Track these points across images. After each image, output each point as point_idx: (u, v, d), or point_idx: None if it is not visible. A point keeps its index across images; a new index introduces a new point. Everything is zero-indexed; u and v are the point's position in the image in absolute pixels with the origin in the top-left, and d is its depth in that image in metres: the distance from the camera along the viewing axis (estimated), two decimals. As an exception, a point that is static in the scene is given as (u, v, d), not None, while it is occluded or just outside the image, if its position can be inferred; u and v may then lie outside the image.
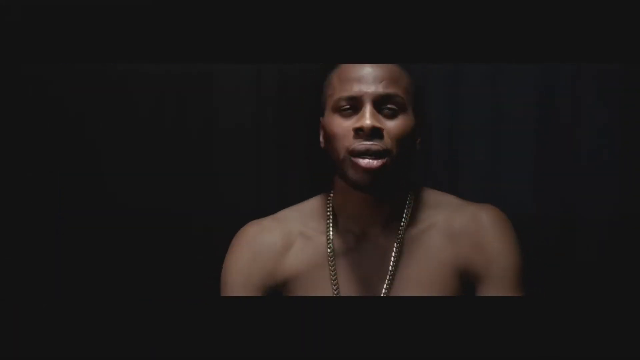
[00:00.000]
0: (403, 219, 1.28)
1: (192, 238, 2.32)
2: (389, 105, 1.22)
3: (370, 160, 1.19)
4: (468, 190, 2.06)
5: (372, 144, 1.19)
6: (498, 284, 1.24)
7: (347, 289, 1.27)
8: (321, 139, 1.31)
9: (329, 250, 1.29)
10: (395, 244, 1.26)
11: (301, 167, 1.99)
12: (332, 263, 1.28)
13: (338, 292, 1.26)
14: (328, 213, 1.31)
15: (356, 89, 1.22)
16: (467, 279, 1.27)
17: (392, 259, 1.26)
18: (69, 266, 2.39)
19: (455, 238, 1.28)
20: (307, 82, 2.20)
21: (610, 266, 2.53)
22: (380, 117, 1.21)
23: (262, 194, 2.16)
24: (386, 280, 1.26)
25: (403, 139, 1.22)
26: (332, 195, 1.33)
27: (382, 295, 1.27)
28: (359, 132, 1.19)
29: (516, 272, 1.26)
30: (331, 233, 1.30)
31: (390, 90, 1.22)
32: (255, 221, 1.36)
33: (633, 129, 2.56)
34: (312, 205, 1.36)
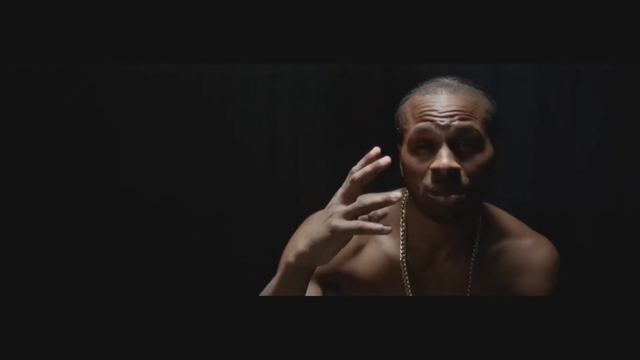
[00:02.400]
0: (476, 241, 1.29)
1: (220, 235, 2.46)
2: (464, 142, 1.18)
3: (447, 196, 1.17)
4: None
5: (449, 185, 1.17)
6: None
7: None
8: (401, 167, 1.27)
9: (402, 263, 1.28)
10: (470, 264, 1.28)
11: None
12: (406, 277, 1.28)
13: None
14: (402, 228, 1.28)
15: (430, 127, 1.18)
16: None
17: (470, 278, 1.28)
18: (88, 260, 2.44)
19: (514, 267, 1.32)
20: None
21: (605, 258, 2.57)
22: (457, 154, 1.18)
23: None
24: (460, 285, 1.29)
25: (481, 175, 1.20)
26: (404, 203, 1.30)
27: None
28: (436, 173, 1.16)
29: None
30: (404, 247, 1.28)
31: (465, 125, 1.17)
32: (317, 216, 1.28)
33: (628, 127, 2.61)
34: (390, 219, 1.25)
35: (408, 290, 1.27)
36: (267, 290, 1.19)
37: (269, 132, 2.59)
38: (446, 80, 1.26)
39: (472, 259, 1.29)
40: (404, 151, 1.24)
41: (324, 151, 2.57)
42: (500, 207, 1.55)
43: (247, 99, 2.58)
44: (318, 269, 1.21)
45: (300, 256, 1.09)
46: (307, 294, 1.21)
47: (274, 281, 1.18)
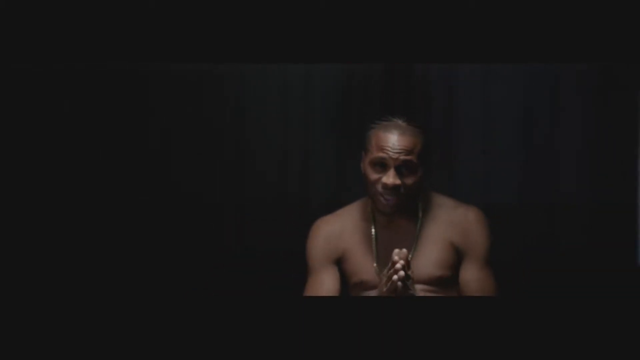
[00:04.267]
0: (419, 213, 1.92)
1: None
2: (405, 168, 1.82)
3: (390, 199, 1.84)
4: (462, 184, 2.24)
5: (392, 192, 1.82)
6: (473, 260, 1.91)
7: (383, 256, 1.89)
8: (362, 168, 1.91)
9: (372, 230, 1.93)
10: (416, 229, 1.91)
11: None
12: (375, 239, 1.93)
13: (376, 258, 1.91)
14: (369, 212, 1.95)
15: (385, 156, 1.82)
16: (459, 253, 1.92)
17: (416, 235, 1.90)
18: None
19: (452, 227, 1.93)
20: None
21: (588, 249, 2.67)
22: (399, 174, 1.81)
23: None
24: (412, 247, 1.90)
25: (413, 187, 1.84)
26: (369, 201, 1.95)
27: (409, 257, 1.81)
28: (385, 185, 1.81)
29: (486, 253, 1.93)
30: (372, 223, 1.94)
31: (407, 159, 1.81)
32: (322, 218, 2.03)
33: (608, 126, 2.71)
34: (359, 207, 2.00)
35: (374, 247, 1.91)
36: None
37: (280, 131, 2.67)
38: (399, 122, 1.86)
39: (417, 223, 1.91)
40: (366, 163, 1.88)
41: (331, 151, 2.71)
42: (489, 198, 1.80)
43: (258, 98, 2.70)
44: (327, 257, 1.97)
45: None
46: (328, 279, 1.94)
47: None
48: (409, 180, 1.82)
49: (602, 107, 2.73)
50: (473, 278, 1.90)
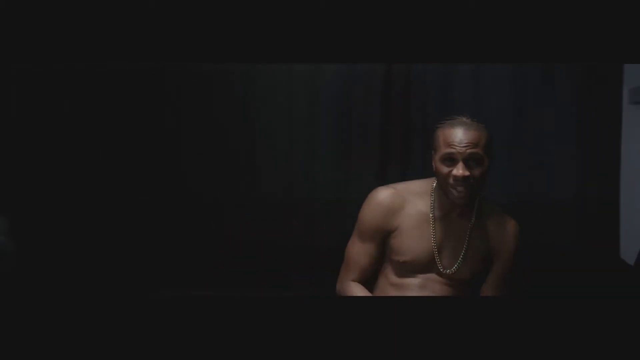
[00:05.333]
0: (473, 216, 2.06)
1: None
2: (472, 160, 1.93)
3: (462, 190, 1.94)
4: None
5: (462, 183, 1.93)
6: (501, 261, 2.07)
7: (443, 251, 2.04)
8: (434, 164, 1.99)
9: (431, 216, 2.04)
10: (469, 227, 2.05)
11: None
12: (433, 225, 2.04)
13: (434, 241, 2.03)
14: (431, 198, 2.06)
15: (453, 151, 1.92)
16: (491, 255, 2.07)
17: (468, 233, 2.05)
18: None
19: (494, 234, 2.07)
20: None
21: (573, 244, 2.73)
22: (467, 166, 1.92)
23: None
24: (465, 247, 2.03)
25: (480, 178, 1.95)
26: (434, 185, 2.06)
27: (462, 251, 2.04)
28: (456, 177, 1.92)
29: (511, 261, 2.09)
30: (434, 209, 2.05)
31: (473, 152, 1.92)
32: (383, 189, 2.08)
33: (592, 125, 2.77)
34: (419, 187, 2.09)
35: (432, 233, 2.03)
36: None
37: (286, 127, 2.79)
38: (463, 119, 1.97)
39: (471, 222, 2.05)
40: (436, 160, 1.98)
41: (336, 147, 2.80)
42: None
43: (264, 98, 2.77)
44: (379, 229, 2.04)
45: None
46: (374, 249, 2.05)
47: None
48: (477, 172, 1.92)
49: (587, 106, 2.81)
50: (494, 277, 2.07)
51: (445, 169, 1.93)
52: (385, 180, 2.67)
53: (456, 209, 2.02)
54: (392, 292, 2.04)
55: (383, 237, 2.04)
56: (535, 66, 2.80)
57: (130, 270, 2.69)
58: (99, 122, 2.79)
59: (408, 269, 2.03)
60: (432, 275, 2.04)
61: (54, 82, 2.73)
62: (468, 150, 1.90)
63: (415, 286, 2.03)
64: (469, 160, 1.91)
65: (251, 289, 2.55)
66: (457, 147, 1.91)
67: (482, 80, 2.84)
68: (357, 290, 2.03)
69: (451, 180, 1.92)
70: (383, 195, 2.05)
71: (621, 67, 2.80)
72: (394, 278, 2.06)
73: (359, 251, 2.05)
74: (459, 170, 1.90)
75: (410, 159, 2.84)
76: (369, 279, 2.07)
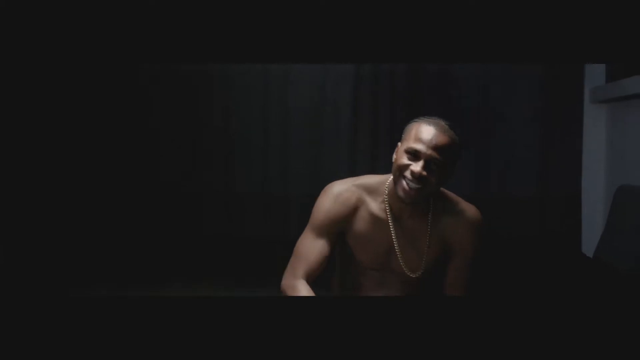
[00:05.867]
0: (430, 212, 1.99)
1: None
2: (434, 164, 1.86)
3: (413, 187, 1.87)
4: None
5: (415, 182, 1.87)
6: (462, 259, 1.99)
7: (405, 254, 1.98)
8: (394, 155, 1.94)
9: (388, 214, 1.98)
10: (427, 223, 1.98)
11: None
12: (391, 223, 1.97)
13: (397, 246, 1.97)
14: (386, 196, 1.99)
15: (420, 148, 1.86)
16: (449, 251, 2.00)
17: (427, 232, 1.98)
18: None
19: (449, 224, 1.99)
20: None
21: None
22: (427, 167, 1.86)
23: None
24: (426, 246, 1.98)
25: (435, 185, 1.90)
26: (388, 183, 1.98)
27: (423, 259, 1.98)
28: (413, 172, 1.86)
29: (474, 255, 2.01)
30: (390, 206, 1.98)
31: (438, 156, 1.86)
32: (340, 183, 2.01)
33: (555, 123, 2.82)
34: (375, 183, 2.01)
35: (392, 231, 1.97)
36: None
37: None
38: (442, 122, 1.91)
39: (429, 218, 1.99)
40: (400, 150, 1.91)
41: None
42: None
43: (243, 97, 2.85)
44: (332, 222, 1.95)
45: None
46: (325, 246, 1.94)
47: None
48: (433, 178, 1.86)
49: (550, 105, 2.88)
50: (457, 273, 1.99)
51: (405, 161, 1.86)
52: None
53: (411, 207, 1.95)
54: (352, 291, 2.03)
55: (337, 233, 1.96)
56: (499, 66, 2.86)
57: (109, 262, 2.73)
58: (81, 118, 2.84)
59: (360, 267, 2.00)
60: (392, 274, 2.00)
61: (28, 77, 2.74)
62: (434, 154, 1.85)
63: (374, 284, 2.01)
64: (430, 163, 1.85)
65: (227, 281, 2.59)
66: (425, 146, 1.85)
67: (449, 79, 2.90)
68: (303, 289, 1.88)
69: (407, 174, 1.85)
70: (339, 189, 1.98)
71: (582, 67, 2.88)
72: (353, 277, 2.04)
73: (310, 245, 1.93)
74: (417, 167, 1.84)
75: (380, 157, 2.91)
76: (315, 279, 1.94)
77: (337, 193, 1.97)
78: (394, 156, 1.93)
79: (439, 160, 1.85)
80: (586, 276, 2.33)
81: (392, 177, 1.93)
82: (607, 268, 2.25)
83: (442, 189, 1.99)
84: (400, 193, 1.88)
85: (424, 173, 1.84)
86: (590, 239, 2.78)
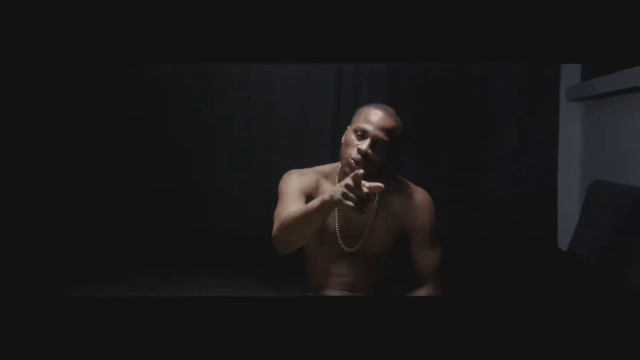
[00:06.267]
0: (376, 195, 2.12)
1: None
2: (379, 144, 2.02)
3: (357, 161, 2.00)
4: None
5: (360, 159, 2.00)
6: (422, 239, 2.12)
7: (344, 232, 2.13)
8: (343, 137, 2.09)
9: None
10: (374, 206, 2.12)
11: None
12: (336, 213, 2.12)
13: (339, 234, 2.12)
14: (336, 180, 2.15)
15: (368, 128, 2.02)
16: (403, 231, 2.14)
17: (373, 211, 2.13)
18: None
19: (402, 208, 2.14)
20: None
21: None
22: (373, 147, 2.01)
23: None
24: (367, 228, 2.11)
25: (378, 164, 2.03)
26: (339, 168, 2.13)
27: (362, 237, 2.12)
28: (359, 150, 2.01)
29: (433, 233, 2.13)
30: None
31: (383, 137, 2.02)
32: (296, 170, 2.18)
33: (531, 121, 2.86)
34: (328, 169, 2.19)
35: (336, 213, 2.12)
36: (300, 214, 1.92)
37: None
38: (389, 108, 2.08)
39: (375, 201, 2.13)
40: (350, 130, 2.07)
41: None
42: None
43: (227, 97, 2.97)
44: (295, 191, 2.08)
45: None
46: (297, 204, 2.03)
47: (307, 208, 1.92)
48: (377, 157, 2.01)
49: (527, 103, 2.94)
50: (423, 255, 2.11)
51: (354, 140, 2.02)
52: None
53: None
54: (311, 267, 2.19)
55: (304, 198, 2.07)
56: (477, 65, 2.91)
57: (90, 257, 2.75)
58: (62, 115, 2.86)
59: (320, 247, 2.14)
60: (342, 252, 2.13)
61: (24, 77, 2.78)
62: (380, 134, 2.00)
63: (328, 262, 2.15)
64: (376, 144, 2.00)
65: (206, 275, 2.61)
66: (372, 126, 2.01)
67: (429, 78, 2.95)
68: (294, 209, 1.97)
69: (353, 153, 2.00)
70: (299, 171, 2.16)
71: (559, 66, 2.94)
72: (311, 255, 2.19)
73: (288, 205, 2.02)
74: (363, 145, 1.99)
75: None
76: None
77: (299, 173, 2.15)
78: (343, 138, 2.08)
79: (384, 141, 2.02)
80: (560, 269, 2.38)
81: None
82: (580, 261, 2.31)
83: (393, 174, 2.16)
84: (347, 169, 2.02)
85: (370, 151, 2.00)
86: (566, 234, 2.82)
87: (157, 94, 2.96)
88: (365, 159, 1.99)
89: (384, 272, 2.20)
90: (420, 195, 2.15)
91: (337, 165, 2.17)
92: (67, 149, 2.85)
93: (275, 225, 1.97)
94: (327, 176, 2.17)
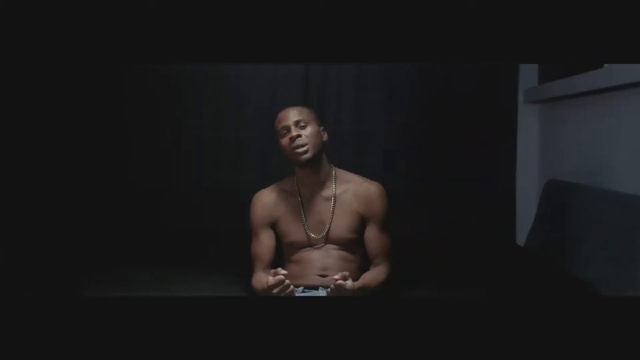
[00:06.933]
0: (334, 187, 2.44)
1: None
2: (301, 124, 2.36)
3: (301, 147, 2.33)
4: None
5: (298, 142, 2.33)
6: (375, 224, 2.42)
7: (310, 222, 2.43)
8: (280, 146, 2.40)
9: (299, 200, 2.45)
10: (332, 200, 2.43)
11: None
12: (302, 207, 2.45)
13: (306, 223, 2.43)
14: (295, 187, 2.47)
15: (285, 124, 2.37)
16: (363, 219, 2.42)
17: (332, 205, 2.43)
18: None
19: (358, 199, 2.43)
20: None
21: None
22: (298, 128, 2.35)
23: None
24: (330, 215, 2.42)
25: (313, 136, 2.36)
26: (295, 176, 2.48)
27: (327, 225, 2.42)
28: (292, 138, 2.34)
29: (384, 219, 2.44)
30: (299, 195, 2.46)
31: (299, 118, 2.37)
32: (260, 191, 2.52)
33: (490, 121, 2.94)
34: (287, 182, 2.51)
35: (302, 213, 2.44)
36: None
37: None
38: (290, 107, 2.42)
39: (333, 195, 2.43)
40: (279, 140, 2.39)
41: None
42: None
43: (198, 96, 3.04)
44: (265, 220, 2.46)
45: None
46: (266, 239, 2.45)
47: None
48: (307, 132, 2.35)
49: (485, 105, 3.02)
50: (375, 238, 2.42)
51: (286, 140, 2.35)
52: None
53: (317, 186, 2.43)
54: (291, 267, 2.41)
55: (270, 228, 2.45)
56: (435, 65, 2.98)
57: (68, 256, 2.78)
58: (43, 114, 2.91)
59: (295, 246, 2.43)
60: (312, 241, 2.41)
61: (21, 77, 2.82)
62: (295, 118, 2.35)
63: (305, 258, 2.42)
64: (298, 124, 2.35)
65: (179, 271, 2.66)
66: (286, 119, 2.36)
67: (392, 79, 3.02)
68: (262, 276, 2.32)
69: (290, 145, 2.33)
70: (259, 193, 2.50)
71: (517, 69, 3.02)
72: (289, 255, 2.46)
73: (258, 245, 2.44)
74: (292, 133, 2.33)
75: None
76: (274, 261, 2.43)
77: (259, 196, 2.50)
78: (280, 147, 2.39)
79: (302, 120, 2.36)
80: (518, 264, 2.46)
81: (295, 168, 2.43)
82: (534, 255, 2.40)
83: (346, 171, 2.49)
84: (296, 158, 2.35)
85: (299, 132, 2.33)
86: (523, 231, 2.87)
87: (128, 93, 3.02)
88: (301, 141, 2.32)
89: (360, 263, 2.43)
90: (375, 186, 2.45)
91: (292, 178, 2.48)
92: (43, 148, 2.89)
93: (253, 276, 2.38)
94: (287, 185, 2.48)
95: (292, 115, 2.36)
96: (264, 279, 2.23)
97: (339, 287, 2.11)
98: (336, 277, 2.13)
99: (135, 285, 2.41)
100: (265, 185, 2.54)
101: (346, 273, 2.15)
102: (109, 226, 2.95)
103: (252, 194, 2.51)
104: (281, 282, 2.12)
